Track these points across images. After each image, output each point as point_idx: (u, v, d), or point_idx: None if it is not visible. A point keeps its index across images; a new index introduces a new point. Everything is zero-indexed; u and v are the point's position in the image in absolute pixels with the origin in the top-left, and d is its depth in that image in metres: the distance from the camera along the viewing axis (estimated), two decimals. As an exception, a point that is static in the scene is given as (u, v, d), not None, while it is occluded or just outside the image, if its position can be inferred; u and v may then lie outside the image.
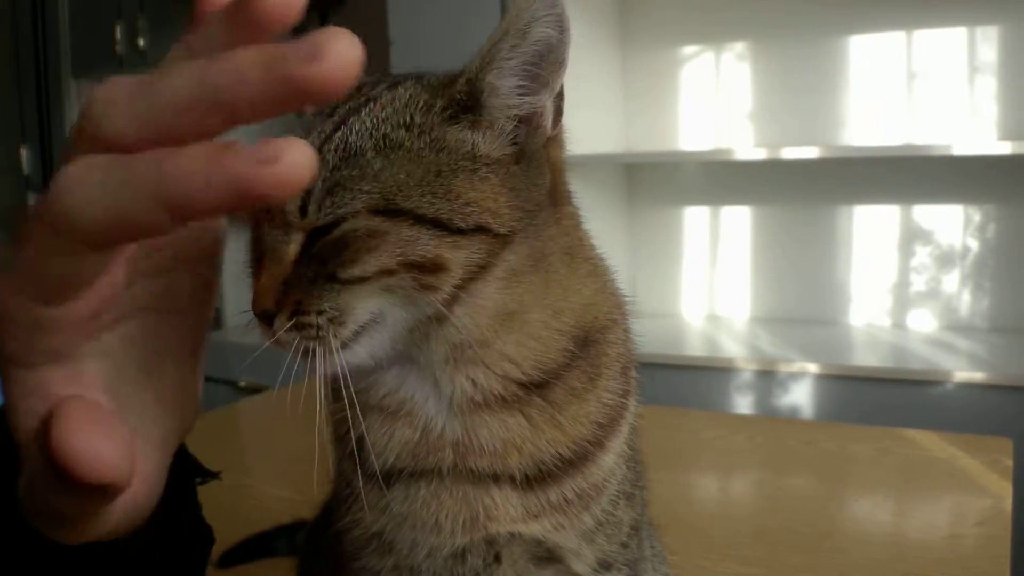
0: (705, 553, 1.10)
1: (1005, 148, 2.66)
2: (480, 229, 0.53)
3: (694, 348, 2.97)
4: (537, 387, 0.58)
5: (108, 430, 0.39)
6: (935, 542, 1.14)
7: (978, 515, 1.20)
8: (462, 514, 0.58)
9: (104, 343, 0.46)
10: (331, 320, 0.52)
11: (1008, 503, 1.22)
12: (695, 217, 3.44)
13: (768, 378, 2.81)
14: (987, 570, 1.04)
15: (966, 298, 3.08)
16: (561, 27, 0.53)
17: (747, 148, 3.15)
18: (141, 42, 4.12)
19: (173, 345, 0.50)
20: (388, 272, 0.52)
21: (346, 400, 0.57)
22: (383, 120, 0.54)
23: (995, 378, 2.54)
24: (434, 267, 0.52)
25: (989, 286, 3.04)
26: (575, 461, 0.59)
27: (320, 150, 0.53)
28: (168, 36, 4.05)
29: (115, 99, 0.38)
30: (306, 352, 0.53)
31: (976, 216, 3.03)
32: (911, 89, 3.05)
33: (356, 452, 0.60)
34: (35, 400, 0.43)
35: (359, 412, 0.58)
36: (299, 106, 0.38)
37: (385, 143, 0.53)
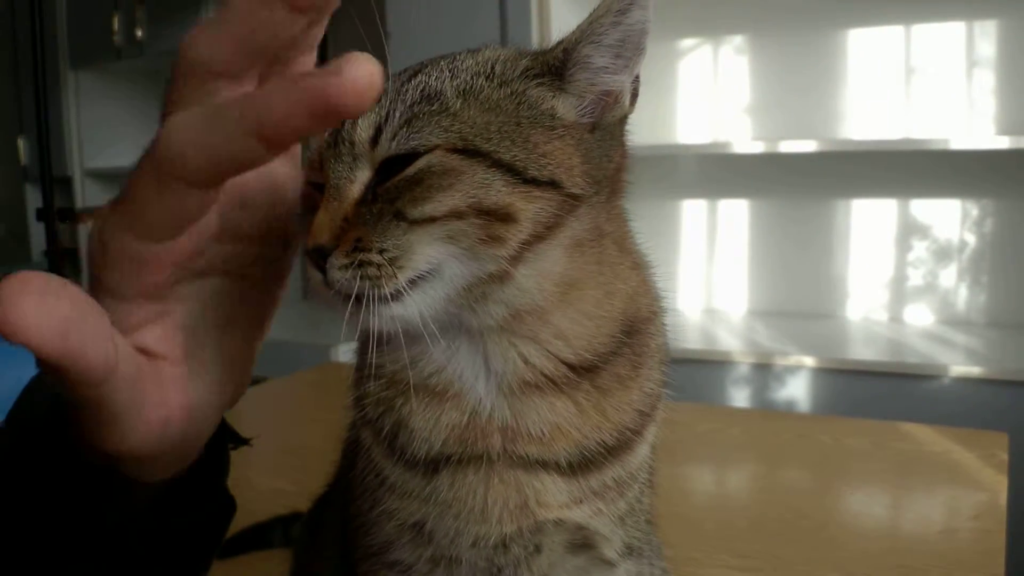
0: (699, 545, 1.10)
1: (1003, 143, 2.66)
2: (553, 184, 0.53)
3: (691, 341, 2.97)
4: (586, 371, 0.57)
5: (40, 300, 0.41)
6: (930, 536, 1.14)
7: (973, 509, 1.20)
8: (512, 501, 0.57)
9: (188, 291, 0.54)
10: (391, 261, 0.51)
11: (1003, 497, 1.22)
12: (692, 210, 3.44)
13: (764, 371, 2.81)
14: (982, 564, 1.04)
15: (963, 292, 3.09)
16: (648, 15, 0.55)
17: (745, 141, 3.15)
18: (139, 33, 4.11)
19: (242, 311, 0.58)
20: (458, 215, 0.51)
21: (386, 378, 0.57)
22: (464, 69, 0.55)
23: (991, 372, 2.55)
24: (504, 216, 0.51)
25: (986, 281, 3.05)
26: (617, 448, 0.58)
27: (398, 91, 0.54)
28: (166, 27, 4.05)
29: (184, 136, 0.45)
30: (357, 299, 0.51)
31: (974, 211, 3.03)
32: (909, 83, 3.05)
33: (393, 438, 0.58)
34: (118, 329, 0.48)
35: (401, 392, 0.57)
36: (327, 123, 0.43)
37: (465, 88, 0.54)
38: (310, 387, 1.92)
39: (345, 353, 2.97)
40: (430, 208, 0.51)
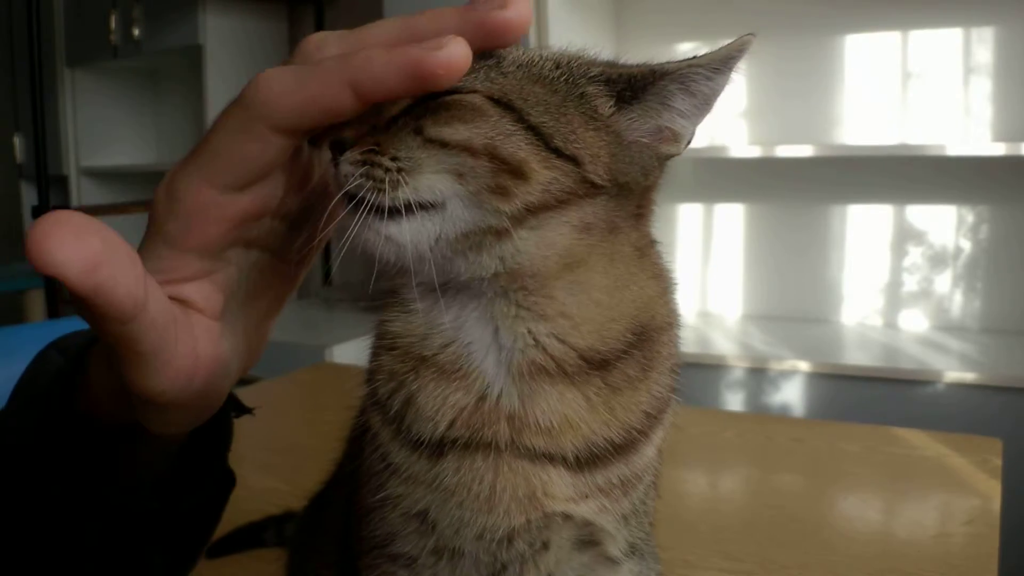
0: (692, 548, 1.10)
1: (999, 149, 2.67)
2: (574, 161, 0.54)
3: (685, 345, 2.95)
4: (597, 366, 0.57)
5: (74, 235, 0.45)
6: (923, 540, 1.14)
7: (966, 514, 1.20)
8: (520, 490, 0.56)
9: (235, 257, 0.58)
10: (399, 170, 0.52)
11: (996, 503, 1.22)
12: (688, 214, 3.44)
13: (759, 375, 2.82)
14: (975, 569, 1.04)
15: (958, 298, 3.09)
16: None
17: (741, 146, 3.15)
18: (136, 32, 4.11)
19: (271, 285, 0.62)
20: (471, 151, 0.52)
21: (400, 350, 0.57)
22: (536, 54, 0.58)
23: (986, 378, 2.55)
24: (516, 171, 0.52)
25: (981, 287, 3.05)
26: (623, 447, 0.58)
27: None
28: (163, 26, 4.04)
29: (279, 83, 0.51)
30: (357, 203, 0.53)
31: (969, 217, 3.04)
32: (906, 89, 3.06)
33: (401, 418, 0.58)
34: (160, 275, 0.54)
35: (412, 368, 0.57)
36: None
37: (526, 62, 0.57)
38: (304, 387, 1.92)
39: (339, 353, 2.97)
40: (447, 132, 0.52)
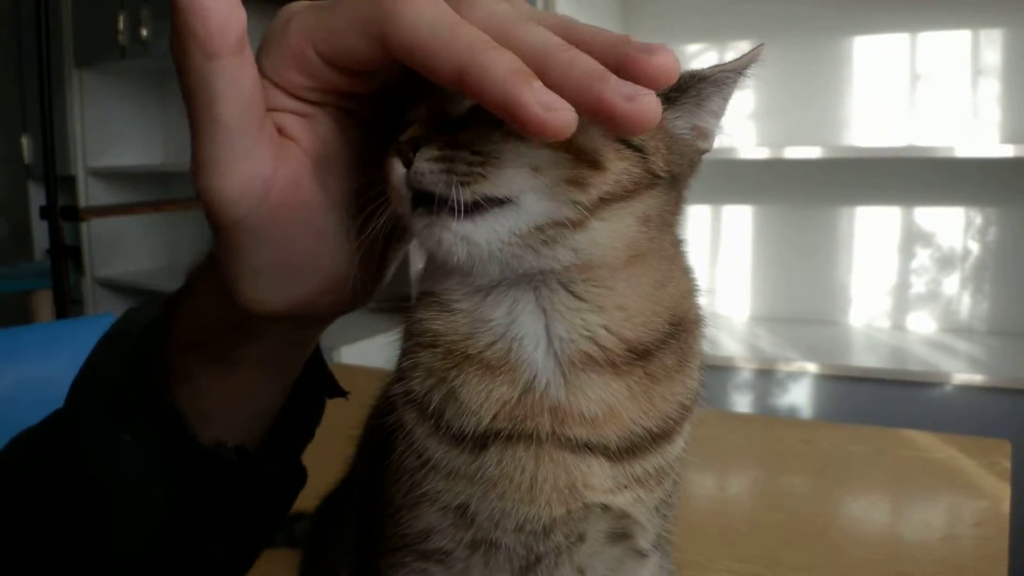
0: (701, 550, 1.10)
1: (1007, 151, 2.66)
2: (640, 152, 0.55)
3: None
4: (640, 356, 0.58)
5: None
6: (932, 542, 1.14)
7: (975, 516, 1.20)
8: (561, 480, 0.56)
9: (325, 124, 0.58)
10: (482, 163, 0.52)
11: (1006, 505, 1.22)
12: (696, 215, 3.44)
13: (767, 377, 2.81)
14: (984, 571, 1.04)
15: (966, 300, 3.08)
16: None
17: (749, 147, 3.15)
18: (144, 32, 4.12)
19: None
20: (551, 143, 0.52)
21: (442, 347, 0.57)
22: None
23: (994, 380, 2.55)
24: (593, 161, 0.53)
25: (989, 289, 3.05)
26: (660, 437, 0.59)
27: None
28: (170, 27, 4.05)
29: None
30: (431, 201, 0.52)
31: (977, 219, 3.03)
32: (914, 91, 3.05)
33: (440, 415, 0.58)
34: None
35: (456, 364, 0.57)
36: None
37: None
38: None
39: (348, 354, 2.97)
40: None
